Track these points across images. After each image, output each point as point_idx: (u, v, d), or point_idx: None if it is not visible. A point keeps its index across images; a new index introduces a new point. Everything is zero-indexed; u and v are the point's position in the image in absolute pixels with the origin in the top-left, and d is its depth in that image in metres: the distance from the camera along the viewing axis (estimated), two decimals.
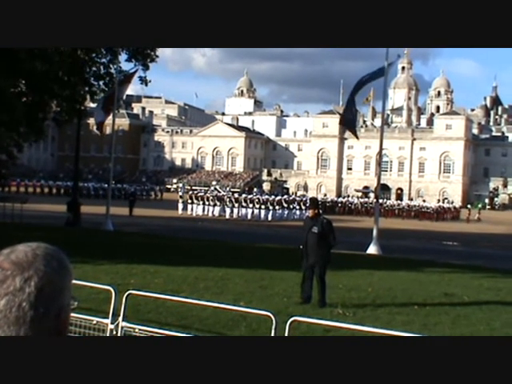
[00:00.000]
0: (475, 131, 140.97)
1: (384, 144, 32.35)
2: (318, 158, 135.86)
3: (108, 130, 67.24)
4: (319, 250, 12.97)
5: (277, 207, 51.80)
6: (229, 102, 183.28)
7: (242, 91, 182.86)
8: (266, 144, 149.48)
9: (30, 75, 22.85)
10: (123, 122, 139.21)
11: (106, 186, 44.22)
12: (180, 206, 53.02)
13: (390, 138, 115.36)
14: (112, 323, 6.66)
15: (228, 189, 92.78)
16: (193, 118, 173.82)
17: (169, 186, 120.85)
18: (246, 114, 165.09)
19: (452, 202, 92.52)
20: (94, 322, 6.74)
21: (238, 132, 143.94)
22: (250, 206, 50.68)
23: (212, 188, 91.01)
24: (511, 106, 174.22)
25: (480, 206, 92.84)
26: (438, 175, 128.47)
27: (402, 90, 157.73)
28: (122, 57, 30.77)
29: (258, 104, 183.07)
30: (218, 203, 51.68)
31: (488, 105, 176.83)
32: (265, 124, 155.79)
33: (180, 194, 58.78)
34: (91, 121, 60.37)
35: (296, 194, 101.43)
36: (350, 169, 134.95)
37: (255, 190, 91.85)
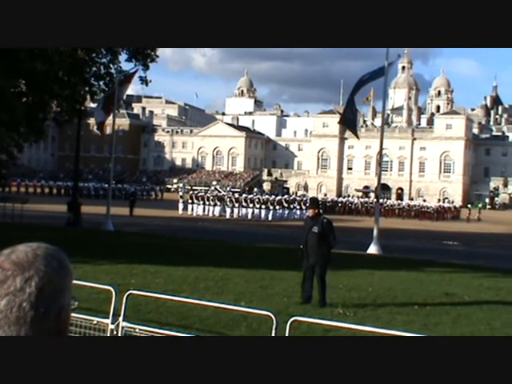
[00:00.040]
0: (475, 131, 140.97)
1: (384, 144, 32.36)
2: (318, 158, 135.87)
3: (108, 130, 67.24)
4: (319, 250, 12.97)
5: (277, 207, 51.80)
6: (229, 101, 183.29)
7: (242, 91, 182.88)
8: (267, 144, 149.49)
9: (30, 75, 22.85)
10: (123, 122, 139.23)
11: (107, 186, 44.22)
12: (180, 206, 53.01)
13: (390, 137, 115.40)
14: (112, 323, 6.66)
15: (228, 189, 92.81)
16: (193, 117, 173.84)
17: (169, 186, 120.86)
18: (246, 113, 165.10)
19: (452, 202, 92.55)
20: (95, 322, 6.74)
21: (239, 132, 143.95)
22: (251, 205, 50.67)
23: (212, 188, 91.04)
24: (511, 106, 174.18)
25: (480, 205, 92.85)
26: (438, 175, 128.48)
27: (402, 89, 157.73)
28: (122, 57, 30.79)
29: (259, 104, 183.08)
30: (219, 203, 51.68)
31: (488, 104, 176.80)
32: (265, 124, 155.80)
33: (180, 194, 58.80)
34: (91, 121, 60.41)
35: (296, 193, 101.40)
36: (350, 168, 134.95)
37: (255, 189, 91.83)
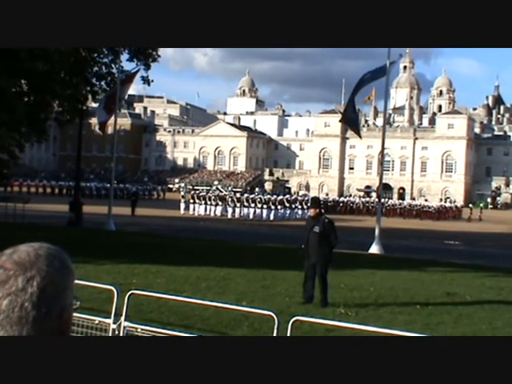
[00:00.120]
0: (477, 130, 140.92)
1: (386, 143, 32.34)
2: (319, 158, 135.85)
3: (110, 130, 67.25)
4: (320, 250, 12.96)
5: (279, 207, 51.80)
6: (230, 101, 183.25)
7: (243, 91, 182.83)
8: (268, 143, 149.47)
9: (32, 75, 22.85)
10: (125, 122, 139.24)
11: (108, 185, 44.24)
12: (182, 205, 53.03)
13: (391, 137, 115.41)
14: (114, 323, 6.66)
15: (230, 188, 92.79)
16: (195, 117, 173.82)
17: (171, 186, 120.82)
18: (247, 113, 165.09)
19: (454, 202, 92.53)
20: (96, 322, 6.74)
21: (240, 132, 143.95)
22: (252, 205, 50.67)
23: (214, 188, 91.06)
24: None
25: (482, 205, 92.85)
26: (440, 174, 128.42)
27: (403, 89, 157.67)
28: (124, 56, 30.76)
29: (260, 103, 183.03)
30: (220, 203, 51.69)
31: (490, 104, 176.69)
32: (267, 123, 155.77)
33: (182, 193, 58.82)
34: (93, 120, 60.48)
35: (298, 193, 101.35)
36: (351, 168, 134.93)
37: (257, 189, 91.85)
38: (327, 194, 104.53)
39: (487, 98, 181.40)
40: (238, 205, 51.09)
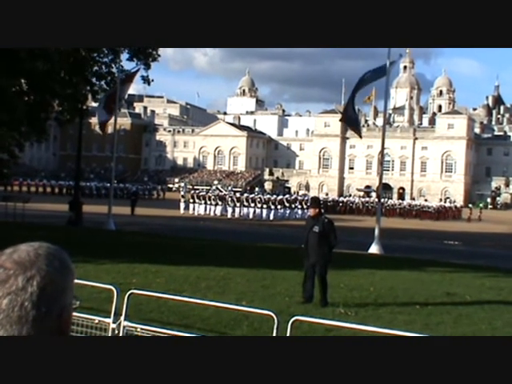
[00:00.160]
0: (477, 130, 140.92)
1: (386, 143, 32.34)
2: (319, 158, 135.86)
3: (110, 130, 67.25)
4: (320, 250, 12.96)
5: (278, 207, 51.79)
6: (230, 101, 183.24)
7: (243, 90, 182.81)
8: (268, 143, 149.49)
9: (32, 75, 22.86)
10: (125, 122, 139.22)
11: (108, 185, 44.23)
12: (182, 205, 53.03)
13: (391, 137, 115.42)
14: (114, 322, 6.66)
15: (230, 188, 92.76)
16: (195, 117, 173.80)
17: (170, 186, 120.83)
18: (247, 113, 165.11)
19: (454, 202, 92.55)
20: (96, 322, 6.75)
21: (240, 131, 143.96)
22: (252, 205, 50.67)
23: (214, 187, 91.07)
24: None
25: (481, 205, 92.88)
26: (439, 174, 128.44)
27: (403, 89, 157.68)
28: (124, 56, 30.77)
29: (260, 103, 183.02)
30: (220, 202, 51.69)
31: (490, 104, 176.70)
32: (266, 123, 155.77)
33: (182, 193, 58.83)
34: (93, 120, 60.55)
35: (298, 193, 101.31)
36: (351, 168, 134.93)
37: (257, 189, 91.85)
38: (327, 194, 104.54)
39: (487, 98, 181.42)
40: (238, 204, 51.09)
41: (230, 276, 16.24)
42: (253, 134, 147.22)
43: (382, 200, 48.54)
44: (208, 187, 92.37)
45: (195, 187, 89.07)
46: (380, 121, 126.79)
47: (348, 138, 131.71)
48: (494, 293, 16.05)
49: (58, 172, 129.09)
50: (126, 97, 39.56)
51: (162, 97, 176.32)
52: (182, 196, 55.73)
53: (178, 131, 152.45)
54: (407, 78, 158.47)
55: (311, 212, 13.84)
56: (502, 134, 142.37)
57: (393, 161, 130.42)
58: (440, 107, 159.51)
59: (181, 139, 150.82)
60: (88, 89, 29.86)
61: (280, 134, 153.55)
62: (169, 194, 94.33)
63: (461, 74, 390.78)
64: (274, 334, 5.95)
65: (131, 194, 57.12)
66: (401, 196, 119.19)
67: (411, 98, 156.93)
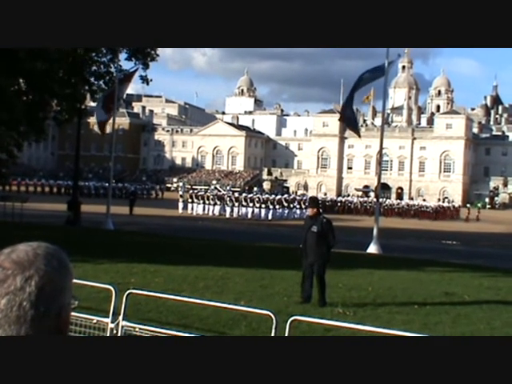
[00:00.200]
0: (475, 130, 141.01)
1: (384, 143, 32.35)
2: (318, 157, 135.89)
3: (108, 129, 67.12)
4: (318, 249, 12.96)
5: (277, 206, 51.81)
6: (229, 101, 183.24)
7: (242, 90, 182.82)
8: (267, 143, 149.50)
9: (31, 74, 22.86)
10: (123, 121, 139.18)
11: (107, 185, 44.23)
12: (180, 205, 53.02)
13: (390, 137, 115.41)
14: (112, 322, 6.66)
15: (228, 188, 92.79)
16: (193, 117, 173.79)
17: (169, 185, 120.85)
18: (246, 113, 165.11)
19: (452, 202, 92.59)
20: (95, 321, 6.74)
21: (239, 131, 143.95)
22: (251, 205, 50.68)
23: (212, 187, 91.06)
24: (511, 105, 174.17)
25: (479, 205, 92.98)
26: (438, 174, 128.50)
27: (402, 89, 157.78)
28: (122, 55, 30.78)
29: (259, 103, 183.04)
30: (219, 202, 51.69)
31: (488, 104, 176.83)
32: (265, 123, 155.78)
33: (180, 193, 58.80)
34: (91, 120, 60.45)
35: (296, 193, 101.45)
36: (350, 168, 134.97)
37: (255, 189, 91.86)
38: (325, 194, 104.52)
39: (485, 98, 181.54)
40: (237, 204, 51.10)
41: (229, 276, 16.24)
42: (251, 133, 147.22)
43: (381, 200, 48.54)
44: (206, 187, 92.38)
45: (194, 187, 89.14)
46: (378, 121, 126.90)
47: (346, 138, 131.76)
48: (493, 292, 16.06)
49: (57, 172, 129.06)
50: (125, 96, 39.53)
51: (160, 96, 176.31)
52: (181, 196, 55.71)
53: (177, 131, 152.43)
54: (406, 77, 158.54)
55: (309, 212, 13.84)
56: (500, 133, 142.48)
57: (391, 161, 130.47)
58: (438, 107, 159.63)
59: (179, 139, 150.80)
60: (86, 88, 29.88)
61: (278, 133, 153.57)
62: (167, 193, 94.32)
63: (459, 74, 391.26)
64: (273, 334, 5.95)
65: (130, 193, 57.12)
66: (399, 196, 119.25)
67: (409, 97, 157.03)
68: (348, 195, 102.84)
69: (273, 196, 55.46)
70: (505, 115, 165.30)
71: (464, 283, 17.47)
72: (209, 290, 13.69)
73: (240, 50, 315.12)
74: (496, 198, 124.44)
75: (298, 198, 60.47)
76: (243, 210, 50.48)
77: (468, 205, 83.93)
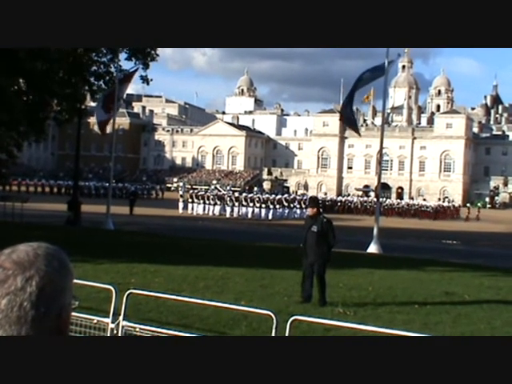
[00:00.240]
0: (475, 130, 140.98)
1: (384, 143, 32.34)
2: (318, 157, 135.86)
3: (108, 129, 67.13)
4: (318, 249, 12.96)
5: (277, 206, 51.82)
6: (229, 100, 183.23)
7: (242, 90, 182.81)
8: (267, 143, 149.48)
9: (31, 74, 22.85)
10: (123, 121, 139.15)
11: (107, 185, 44.24)
12: (180, 205, 53.02)
13: (390, 136, 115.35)
14: (113, 322, 6.66)
15: (228, 188, 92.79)
16: (193, 116, 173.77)
17: (169, 185, 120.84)
18: (246, 112, 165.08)
19: (452, 201, 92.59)
20: (95, 321, 6.75)
21: (239, 131, 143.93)
22: (251, 204, 50.69)
23: (212, 187, 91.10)
24: (511, 105, 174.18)
25: (479, 204, 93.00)
26: (438, 174, 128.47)
27: (402, 88, 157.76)
28: (122, 55, 30.76)
29: (259, 103, 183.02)
30: (219, 202, 51.70)
31: (488, 103, 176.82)
32: (265, 123, 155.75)
33: (180, 193, 58.80)
34: (91, 120, 60.45)
35: (296, 192, 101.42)
36: (350, 168, 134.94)
37: (255, 188, 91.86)
38: (325, 194, 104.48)
39: (485, 97, 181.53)
40: (237, 204, 51.11)
41: (229, 276, 16.24)
42: (251, 133, 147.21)
43: (381, 199, 48.54)
44: (207, 187, 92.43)
45: (194, 187, 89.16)
46: (378, 120, 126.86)
47: (346, 138, 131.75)
48: (493, 292, 16.05)
49: (57, 172, 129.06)
50: (125, 96, 39.54)
51: (160, 96, 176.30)
52: (181, 196, 55.71)
53: (177, 131, 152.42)
54: (406, 77, 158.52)
55: (310, 211, 13.84)
56: (500, 133, 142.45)
57: (391, 160, 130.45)
58: (438, 107, 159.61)
59: (179, 139, 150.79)
60: (87, 88, 29.85)
61: (279, 133, 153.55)
62: (167, 193, 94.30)
63: (459, 74, 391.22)
64: (273, 334, 5.95)
65: (130, 193, 57.13)
66: (399, 195, 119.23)
67: (410, 97, 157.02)
68: (348, 195, 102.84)
69: (273, 196, 55.46)
70: (505, 115, 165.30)
71: (464, 283, 17.47)
72: (209, 290, 13.69)
73: (240, 50, 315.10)
74: (496, 198, 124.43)
75: (298, 197, 60.47)
76: (243, 209, 50.49)
77: (468, 204, 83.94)
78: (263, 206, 50.56)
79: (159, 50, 30.70)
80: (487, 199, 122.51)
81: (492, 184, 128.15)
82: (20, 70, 22.21)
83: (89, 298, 9.95)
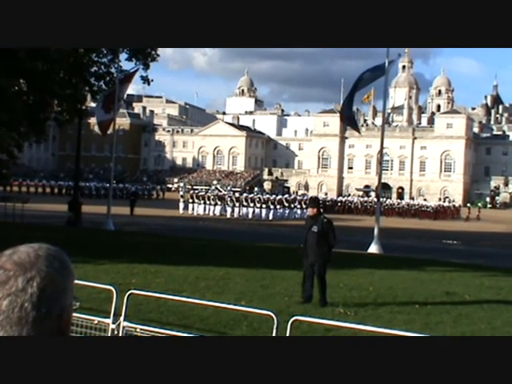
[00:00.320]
0: (476, 130, 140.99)
1: (385, 143, 32.33)
2: (318, 157, 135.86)
3: (109, 130, 67.11)
4: (319, 249, 12.96)
5: (278, 206, 51.82)
6: (229, 101, 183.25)
7: (242, 90, 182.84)
8: (267, 143, 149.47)
9: (31, 75, 22.86)
10: (124, 122, 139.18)
11: (108, 185, 44.27)
12: (181, 205, 53.03)
13: (390, 136, 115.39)
14: (113, 323, 6.66)
15: (229, 188, 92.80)
16: (194, 117, 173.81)
17: (170, 186, 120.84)
18: (246, 113, 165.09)
19: (453, 201, 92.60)
20: (96, 322, 6.74)
21: (239, 131, 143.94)
22: (251, 205, 50.69)
23: (213, 187, 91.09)
24: None
25: (480, 204, 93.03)
26: (438, 174, 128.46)
27: (402, 88, 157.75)
28: (123, 56, 30.76)
29: (259, 103, 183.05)
30: (219, 202, 51.70)
31: (489, 103, 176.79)
32: (265, 123, 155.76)
33: (181, 193, 58.83)
34: (92, 120, 60.55)
35: (297, 193, 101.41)
36: (350, 168, 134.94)
37: (256, 189, 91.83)
38: (326, 194, 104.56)
39: (486, 97, 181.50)
40: (237, 204, 51.10)
41: (229, 276, 16.24)
42: (252, 133, 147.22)
43: (381, 200, 48.55)
44: (207, 187, 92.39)
45: (194, 187, 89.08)
46: (379, 120, 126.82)
47: (347, 138, 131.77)
48: (494, 292, 16.05)
49: (57, 172, 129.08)
50: (125, 97, 39.54)
51: (160, 97, 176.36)
52: (181, 196, 55.74)
53: (177, 131, 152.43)
54: (406, 77, 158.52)
55: (310, 212, 13.83)
56: (500, 133, 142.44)
57: (392, 160, 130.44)
58: (439, 107, 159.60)
59: (180, 139, 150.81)
60: (87, 89, 29.85)
61: (279, 133, 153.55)
62: (168, 194, 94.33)
63: (459, 74, 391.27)
64: (274, 334, 5.95)
65: (130, 194, 57.14)
66: (400, 195, 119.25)
67: (410, 97, 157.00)
68: (349, 195, 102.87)
69: (273, 196, 55.46)
70: (505, 115, 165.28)
71: (465, 283, 17.47)
72: (210, 291, 13.69)
73: (240, 50, 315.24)
74: (497, 198, 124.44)
75: (298, 198, 60.46)
76: (244, 210, 50.49)
77: (468, 204, 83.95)
78: (264, 206, 50.56)
79: (159, 51, 30.72)
80: (488, 199, 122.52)
81: (492, 184, 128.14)
82: (20, 71, 22.21)
83: (89, 298, 9.95)
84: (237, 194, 55.16)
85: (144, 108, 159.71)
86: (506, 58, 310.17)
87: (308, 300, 12.97)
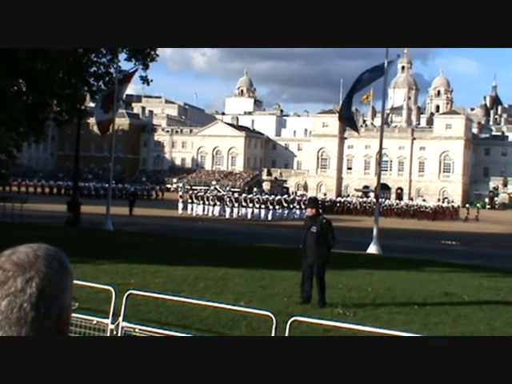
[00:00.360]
0: (475, 131, 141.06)
1: (384, 143, 32.36)
2: (317, 158, 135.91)
3: (108, 130, 67.05)
4: (318, 250, 12.96)
5: (277, 207, 51.83)
6: (229, 101, 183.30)
7: (241, 91, 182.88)
8: (266, 144, 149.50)
9: (30, 75, 22.85)
10: (123, 122, 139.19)
11: (107, 185, 44.24)
12: (180, 205, 53.03)
13: (389, 137, 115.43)
14: (112, 323, 6.66)
15: (228, 188, 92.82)
16: (193, 117, 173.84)
17: (169, 186, 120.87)
18: (245, 113, 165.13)
19: (452, 202, 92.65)
20: (94, 322, 6.74)
21: (238, 132, 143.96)
22: (250, 205, 50.71)
23: (212, 188, 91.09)
24: (511, 106, 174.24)
25: (478, 205, 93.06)
26: (437, 175, 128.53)
27: (401, 89, 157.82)
28: (122, 56, 30.76)
29: (258, 104, 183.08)
30: (218, 203, 51.71)
31: (488, 104, 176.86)
32: (265, 124, 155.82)
33: (180, 193, 58.81)
34: (91, 120, 60.43)
35: (296, 193, 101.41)
36: (349, 168, 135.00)
37: (255, 189, 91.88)
38: (325, 194, 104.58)
39: (485, 98, 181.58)
40: (236, 205, 51.11)
41: (228, 276, 16.23)
42: (251, 134, 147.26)
43: (380, 200, 48.59)
44: (206, 187, 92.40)
45: (193, 187, 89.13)
46: (378, 121, 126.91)
47: (346, 138, 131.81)
48: (493, 293, 16.05)
49: (56, 172, 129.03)
50: (124, 97, 39.51)
51: (160, 97, 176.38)
52: (181, 196, 55.72)
53: (176, 131, 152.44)
54: (405, 78, 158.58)
55: (309, 212, 13.83)
56: (499, 134, 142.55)
57: (391, 161, 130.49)
58: (438, 107, 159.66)
59: (179, 139, 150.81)
60: (86, 89, 29.85)
61: (278, 134, 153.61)
62: (167, 194, 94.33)
63: (459, 74, 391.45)
64: (273, 335, 5.94)
65: (129, 194, 57.11)
66: (399, 196, 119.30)
67: (409, 98, 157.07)
68: (348, 195, 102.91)
69: (272, 196, 55.49)
70: (504, 115, 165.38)
71: (464, 283, 17.47)
72: (208, 291, 13.69)
73: (239, 50, 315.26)
74: (496, 198, 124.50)
75: (297, 198, 60.48)
76: (243, 210, 50.49)
77: (467, 205, 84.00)
78: (263, 206, 50.57)
79: (159, 51, 30.73)
80: (486, 200, 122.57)
81: (491, 185, 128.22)
82: (20, 71, 22.20)
83: (88, 298, 9.95)
84: (236, 195, 55.20)
85: (143, 108, 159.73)
86: (506, 58, 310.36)
87: (307, 300, 12.97)
